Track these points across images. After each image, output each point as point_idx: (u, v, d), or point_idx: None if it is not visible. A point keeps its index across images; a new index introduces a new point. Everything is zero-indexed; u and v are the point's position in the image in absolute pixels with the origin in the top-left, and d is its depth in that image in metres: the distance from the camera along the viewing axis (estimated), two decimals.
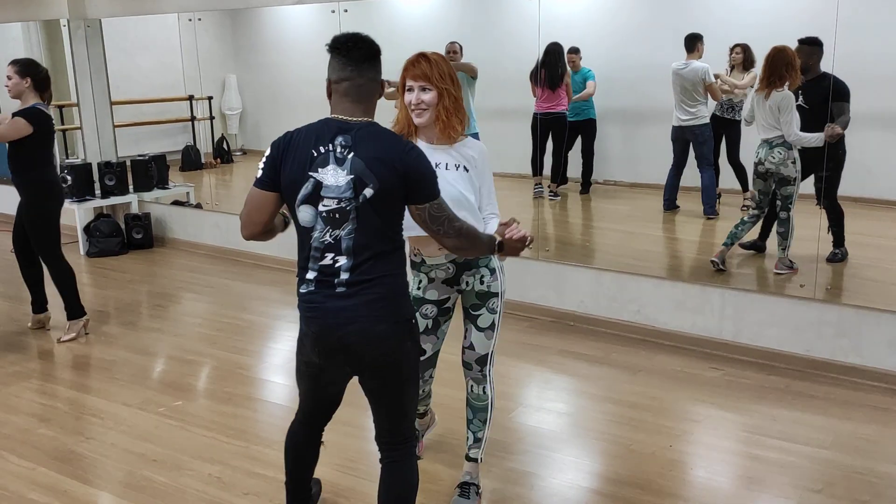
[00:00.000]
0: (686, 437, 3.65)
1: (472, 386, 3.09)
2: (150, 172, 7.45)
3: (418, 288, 3.02)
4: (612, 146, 6.60)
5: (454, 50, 6.04)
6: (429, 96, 2.77)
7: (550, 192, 6.60)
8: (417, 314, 2.94)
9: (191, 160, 8.70)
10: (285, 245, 6.46)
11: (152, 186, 7.48)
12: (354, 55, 2.39)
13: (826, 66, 4.61)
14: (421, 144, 2.76)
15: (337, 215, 2.34)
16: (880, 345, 4.15)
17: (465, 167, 2.84)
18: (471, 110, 6.13)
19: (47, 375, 4.50)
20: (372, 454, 3.44)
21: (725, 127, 5.77)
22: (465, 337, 3.04)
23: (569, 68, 6.27)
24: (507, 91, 6.59)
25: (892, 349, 4.12)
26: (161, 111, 8.73)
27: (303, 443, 2.83)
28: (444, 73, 2.78)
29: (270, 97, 9.06)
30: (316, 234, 2.37)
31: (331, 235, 2.36)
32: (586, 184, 6.55)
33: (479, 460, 3.15)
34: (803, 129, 4.76)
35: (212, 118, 8.95)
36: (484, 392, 3.08)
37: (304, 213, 2.37)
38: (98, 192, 7.24)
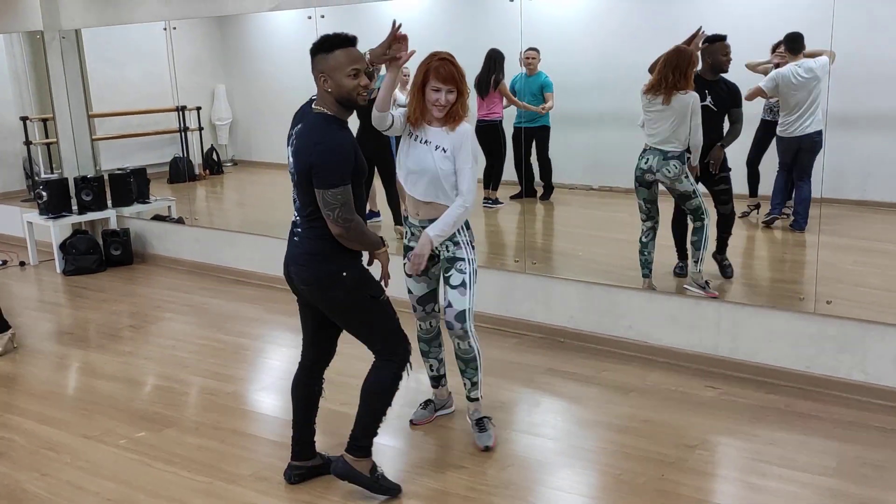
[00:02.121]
0: (679, 465, 3.41)
1: (458, 343, 3.50)
2: (130, 186, 7.24)
3: (407, 239, 3.56)
4: (602, 151, 6.38)
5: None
6: (453, 97, 3.28)
7: (486, 199, 6.36)
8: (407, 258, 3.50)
9: (179, 172, 8.49)
10: (265, 261, 6.32)
11: (132, 201, 7.28)
12: (311, 52, 2.93)
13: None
14: (429, 127, 3.36)
15: (294, 184, 3.01)
16: (885, 360, 3.92)
17: (444, 149, 3.32)
18: None
19: (5, 405, 4.27)
20: (343, 486, 3.25)
21: (770, 130, 5.42)
22: (443, 300, 3.46)
23: (503, 76, 5.93)
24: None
25: None
26: (149, 123, 8.54)
27: (300, 383, 3.34)
28: (463, 74, 3.31)
29: (261, 106, 8.86)
30: (293, 196, 3.05)
31: (293, 195, 3.03)
32: (547, 190, 6.29)
33: (480, 398, 3.63)
34: (710, 131, 4.57)
35: (201, 129, 8.76)
36: (469, 346, 3.50)
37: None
38: (75, 207, 7.03)
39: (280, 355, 4.97)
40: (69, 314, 5.93)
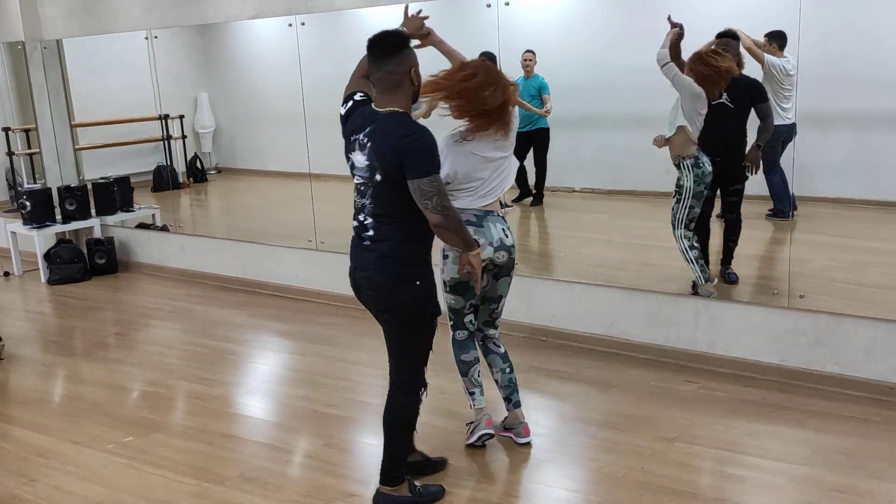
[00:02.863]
0: (658, 458, 3.48)
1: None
2: (114, 195, 7.26)
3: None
4: (589, 153, 6.46)
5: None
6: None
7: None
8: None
9: (162, 180, 8.51)
10: (251, 267, 6.37)
11: (116, 209, 7.29)
12: (374, 52, 2.87)
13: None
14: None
15: (362, 188, 2.95)
16: (858, 352, 4.01)
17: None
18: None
19: None
20: (330, 487, 3.30)
21: None
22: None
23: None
24: None
25: (870, 356, 3.98)
26: (132, 132, 8.55)
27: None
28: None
29: (244, 113, 8.88)
30: (355, 199, 2.99)
31: (360, 202, 2.96)
32: (538, 195, 6.37)
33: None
34: (732, 131, 4.57)
35: (184, 137, 8.77)
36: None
37: (354, 181, 3.00)
38: (59, 217, 7.05)
39: (265, 359, 5.02)
40: (55, 323, 5.94)
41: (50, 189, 7.10)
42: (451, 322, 3.53)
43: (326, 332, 5.31)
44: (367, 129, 2.87)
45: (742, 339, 4.31)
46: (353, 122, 2.96)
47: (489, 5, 4.97)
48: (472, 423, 3.62)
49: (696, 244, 4.62)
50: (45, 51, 7.17)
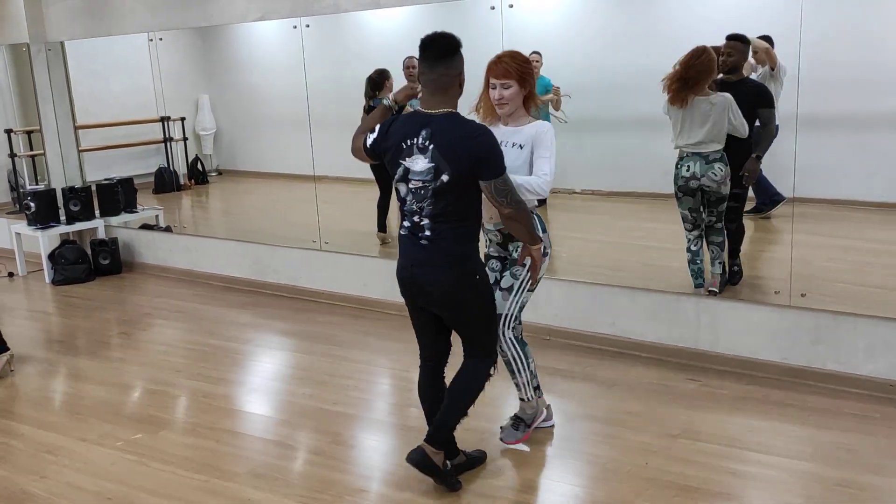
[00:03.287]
0: (663, 454, 3.53)
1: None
2: (118, 196, 7.29)
3: (486, 245, 3.52)
4: (590, 155, 6.51)
5: (413, 65, 5.94)
6: (509, 92, 3.23)
7: None
8: (487, 267, 3.41)
9: (164, 182, 8.54)
10: (256, 267, 6.41)
11: (120, 210, 7.33)
12: (427, 54, 2.94)
13: (792, 66, 4.53)
14: (503, 128, 3.33)
15: (421, 191, 2.98)
16: (858, 350, 4.06)
17: (521, 145, 3.29)
18: None
19: (3, 411, 4.32)
20: (339, 483, 3.34)
21: None
22: None
23: None
24: (471, 104, 6.48)
25: (869, 355, 4.03)
26: (134, 133, 8.58)
27: (429, 393, 3.34)
28: (523, 68, 3.24)
29: (245, 116, 8.92)
30: (408, 203, 3.04)
31: (417, 205, 3.01)
32: (542, 200, 6.41)
33: (527, 399, 3.62)
34: (735, 137, 4.55)
35: (185, 139, 8.81)
36: (502, 349, 3.45)
37: (401, 188, 3.06)
38: (63, 218, 7.08)
39: (271, 358, 5.06)
40: (59, 323, 5.98)
41: (54, 190, 7.13)
42: (518, 322, 3.53)
43: (330, 332, 5.35)
44: (425, 132, 2.94)
45: (744, 338, 4.36)
46: (399, 130, 3.02)
47: (493, 8, 5.02)
48: (518, 417, 3.69)
49: (691, 248, 4.68)
50: (49, 52, 7.20)
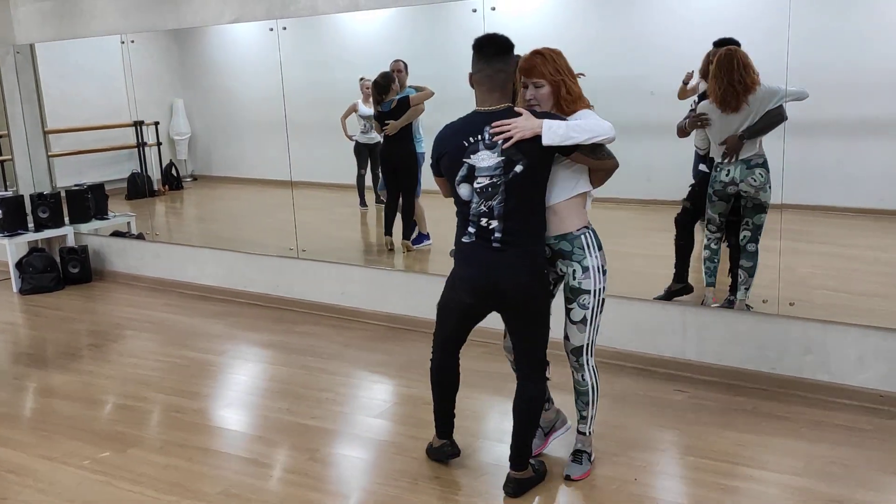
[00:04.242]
0: (651, 469, 3.42)
1: (572, 372, 3.32)
2: (88, 203, 7.10)
3: None
4: None
5: (398, 69, 5.83)
6: (540, 92, 3.03)
7: None
8: None
9: (137, 188, 8.36)
10: (231, 275, 6.24)
11: (90, 217, 7.14)
12: (485, 51, 2.97)
13: (780, 72, 4.47)
14: None
15: (489, 189, 2.94)
16: (848, 360, 3.99)
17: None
18: (418, 129, 5.94)
19: None
20: (314, 503, 3.21)
21: None
22: (562, 329, 3.26)
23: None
24: (456, 108, 6.37)
25: (860, 365, 3.96)
26: (107, 138, 8.39)
27: (447, 369, 3.36)
28: (559, 67, 3.05)
29: (220, 121, 8.75)
30: (473, 205, 2.99)
31: (485, 205, 2.96)
32: None
33: (588, 433, 3.41)
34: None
35: (159, 144, 8.63)
36: (583, 379, 3.29)
37: (463, 190, 3.00)
38: (31, 225, 6.88)
39: (246, 370, 4.90)
40: (27, 334, 5.78)
41: (22, 196, 6.92)
42: None
43: (308, 342, 5.20)
44: (489, 127, 2.93)
45: (731, 348, 4.27)
46: (455, 133, 3.02)
47: (475, 10, 4.92)
48: (579, 451, 3.44)
49: (711, 245, 4.58)
50: (17, 55, 7.01)
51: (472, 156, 2.96)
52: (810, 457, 3.47)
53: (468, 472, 3.46)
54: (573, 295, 3.16)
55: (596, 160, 3.04)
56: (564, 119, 2.99)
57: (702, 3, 5.24)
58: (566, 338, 3.26)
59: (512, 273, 3.02)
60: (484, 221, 2.99)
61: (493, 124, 2.94)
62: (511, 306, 3.11)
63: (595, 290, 3.15)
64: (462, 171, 2.99)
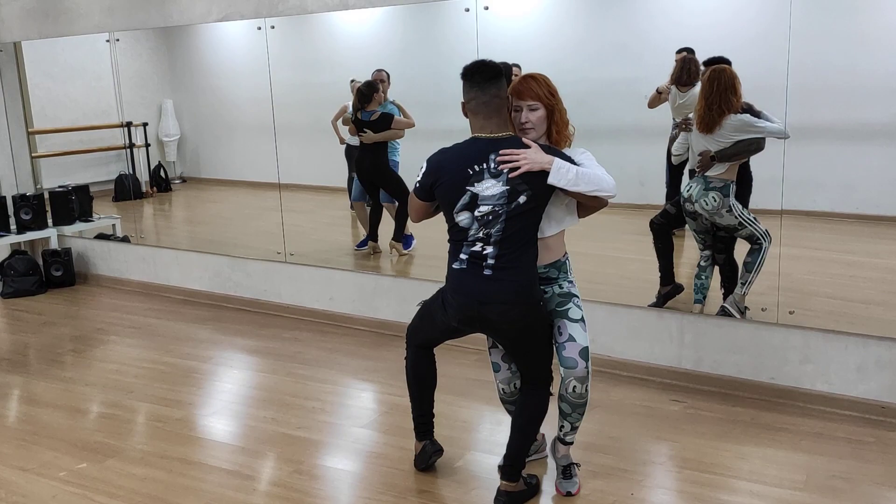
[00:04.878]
0: (648, 483, 3.31)
1: (574, 386, 3.10)
2: (72, 204, 6.96)
3: None
4: None
5: (381, 78, 5.72)
6: (535, 115, 2.98)
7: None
8: None
9: (124, 190, 8.22)
10: (216, 280, 6.11)
11: (74, 219, 6.99)
12: (476, 78, 2.91)
13: (780, 76, 4.38)
14: None
15: (490, 217, 2.90)
16: (849, 370, 3.89)
17: None
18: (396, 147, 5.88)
19: None
20: None
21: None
22: (560, 334, 3.09)
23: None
24: (446, 109, 6.27)
25: (861, 375, 3.86)
26: (94, 139, 8.26)
27: (424, 363, 3.32)
28: (552, 91, 3.03)
29: (210, 122, 8.63)
30: (472, 232, 2.93)
31: (483, 232, 2.91)
32: None
33: (572, 442, 3.31)
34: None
35: (147, 145, 8.50)
36: (586, 391, 3.13)
37: (462, 218, 2.93)
38: (13, 227, 6.73)
39: (231, 377, 4.77)
40: (7, 339, 5.63)
41: (4, 198, 6.77)
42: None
43: (295, 349, 5.08)
44: (495, 156, 2.87)
45: (729, 357, 4.17)
46: (456, 159, 2.94)
47: (468, 10, 4.81)
48: (568, 465, 3.33)
49: (701, 263, 4.52)
50: (1, 54, 6.86)
51: (475, 184, 2.89)
52: (812, 470, 3.37)
53: (458, 485, 3.34)
54: (566, 298, 3.10)
55: (593, 198, 2.98)
56: (569, 158, 2.95)
57: (697, 5, 5.16)
58: (570, 340, 3.06)
59: (500, 302, 2.94)
60: (479, 246, 2.93)
61: (502, 152, 2.88)
62: (503, 336, 3.08)
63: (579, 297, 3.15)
64: (464, 200, 2.91)
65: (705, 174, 4.29)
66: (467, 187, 2.90)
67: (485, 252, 2.92)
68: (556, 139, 3.03)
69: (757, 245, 4.33)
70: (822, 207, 5.13)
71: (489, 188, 2.87)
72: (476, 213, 2.90)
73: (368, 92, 5.68)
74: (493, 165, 2.87)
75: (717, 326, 4.24)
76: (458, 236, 2.98)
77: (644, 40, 5.48)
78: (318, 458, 3.66)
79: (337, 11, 5.21)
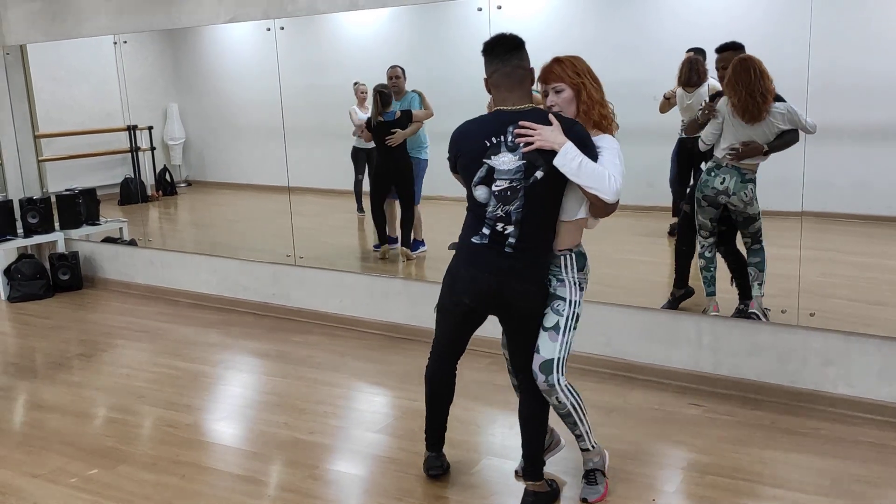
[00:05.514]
0: (668, 488, 3.25)
1: (546, 397, 3.05)
2: (79, 208, 6.92)
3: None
4: None
5: (396, 75, 5.66)
6: (561, 98, 2.91)
7: None
8: None
9: (130, 193, 8.19)
10: (226, 283, 6.06)
11: (81, 223, 6.95)
12: (497, 50, 2.87)
13: (801, 76, 4.32)
14: None
15: (508, 193, 2.83)
16: (870, 373, 3.82)
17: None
18: (425, 137, 5.80)
19: None
20: None
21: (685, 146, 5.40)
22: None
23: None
24: (462, 110, 6.21)
25: (883, 378, 3.80)
26: (99, 142, 8.23)
27: (442, 378, 3.24)
28: (579, 70, 2.94)
29: (215, 125, 8.59)
30: (489, 209, 2.86)
31: (502, 210, 2.84)
32: None
33: (591, 447, 3.20)
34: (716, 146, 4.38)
35: (153, 149, 8.47)
36: (559, 401, 3.03)
37: (479, 193, 2.87)
38: (20, 231, 6.69)
39: (241, 382, 4.72)
40: (15, 343, 5.58)
41: (11, 201, 6.74)
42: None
43: (306, 353, 5.02)
44: (512, 128, 2.81)
45: (748, 360, 4.11)
46: (476, 130, 2.89)
47: (480, 9, 4.76)
48: (592, 471, 3.24)
49: (705, 254, 4.45)
50: (7, 57, 6.83)
51: (492, 157, 2.83)
52: (837, 475, 3.30)
53: (475, 491, 3.28)
54: (547, 301, 3.00)
55: (594, 196, 2.84)
56: (589, 139, 2.87)
57: (708, 5, 5.11)
58: (536, 351, 2.96)
59: (519, 282, 2.91)
60: (500, 226, 2.86)
61: (520, 123, 2.80)
62: (513, 315, 3.00)
63: (570, 301, 2.98)
64: (481, 173, 2.85)
65: (739, 166, 4.22)
66: (484, 160, 2.84)
67: (506, 232, 2.86)
68: (582, 119, 2.92)
69: (758, 243, 4.32)
70: (838, 209, 5.07)
71: (505, 162, 2.81)
72: (494, 189, 2.84)
73: (389, 92, 5.66)
74: (510, 138, 2.81)
75: (735, 329, 4.18)
76: (477, 211, 2.91)
77: (655, 41, 5.42)
78: (330, 462, 3.60)
79: (346, 12, 5.16)
